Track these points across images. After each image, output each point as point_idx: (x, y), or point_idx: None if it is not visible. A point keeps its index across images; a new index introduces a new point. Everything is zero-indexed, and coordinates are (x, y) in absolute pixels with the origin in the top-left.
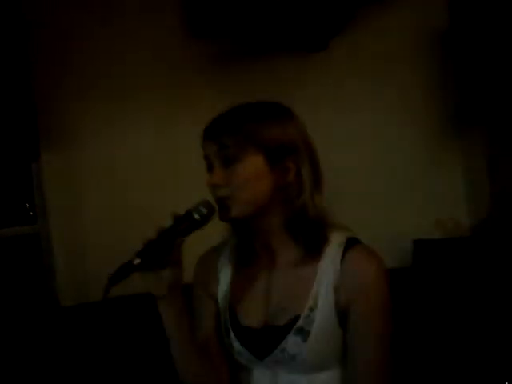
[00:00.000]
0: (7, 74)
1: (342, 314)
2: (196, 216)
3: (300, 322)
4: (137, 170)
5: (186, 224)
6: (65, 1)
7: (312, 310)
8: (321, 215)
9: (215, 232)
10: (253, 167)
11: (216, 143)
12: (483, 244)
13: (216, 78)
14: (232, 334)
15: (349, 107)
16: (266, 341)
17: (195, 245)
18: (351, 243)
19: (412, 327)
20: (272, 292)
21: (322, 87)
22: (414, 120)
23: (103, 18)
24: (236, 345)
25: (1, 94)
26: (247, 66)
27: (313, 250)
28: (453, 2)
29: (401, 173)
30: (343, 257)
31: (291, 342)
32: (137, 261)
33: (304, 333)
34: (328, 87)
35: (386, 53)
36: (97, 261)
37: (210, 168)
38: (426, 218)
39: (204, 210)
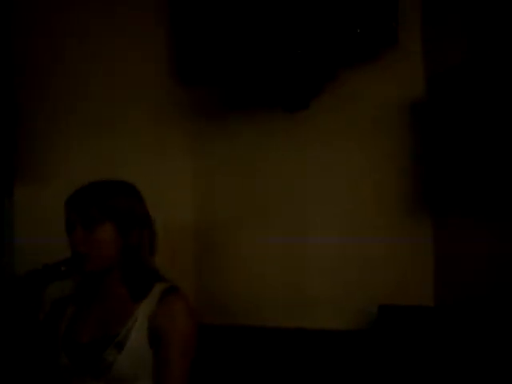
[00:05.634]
0: None
1: (153, 338)
2: (63, 268)
3: (119, 338)
4: None
5: (52, 272)
6: (53, 31)
7: (129, 330)
8: (151, 271)
9: None
10: (106, 233)
11: (79, 214)
12: (448, 315)
13: (195, 125)
14: (63, 353)
15: (324, 169)
16: (91, 352)
17: None
18: (170, 290)
19: None
20: (103, 317)
21: (303, 146)
22: (383, 184)
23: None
24: (64, 361)
25: None
26: (229, 118)
27: (139, 293)
28: (431, 76)
29: (371, 236)
30: (161, 298)
31: (110, 353)
32: None
33: (120, 346)
34: (308, 146)
35: (362, 117)
36: None
37: (72, 228)
38: (394, 283)
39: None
